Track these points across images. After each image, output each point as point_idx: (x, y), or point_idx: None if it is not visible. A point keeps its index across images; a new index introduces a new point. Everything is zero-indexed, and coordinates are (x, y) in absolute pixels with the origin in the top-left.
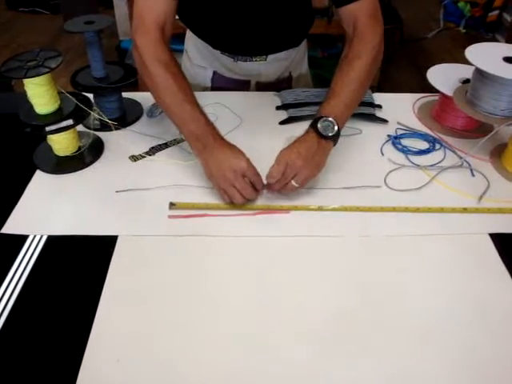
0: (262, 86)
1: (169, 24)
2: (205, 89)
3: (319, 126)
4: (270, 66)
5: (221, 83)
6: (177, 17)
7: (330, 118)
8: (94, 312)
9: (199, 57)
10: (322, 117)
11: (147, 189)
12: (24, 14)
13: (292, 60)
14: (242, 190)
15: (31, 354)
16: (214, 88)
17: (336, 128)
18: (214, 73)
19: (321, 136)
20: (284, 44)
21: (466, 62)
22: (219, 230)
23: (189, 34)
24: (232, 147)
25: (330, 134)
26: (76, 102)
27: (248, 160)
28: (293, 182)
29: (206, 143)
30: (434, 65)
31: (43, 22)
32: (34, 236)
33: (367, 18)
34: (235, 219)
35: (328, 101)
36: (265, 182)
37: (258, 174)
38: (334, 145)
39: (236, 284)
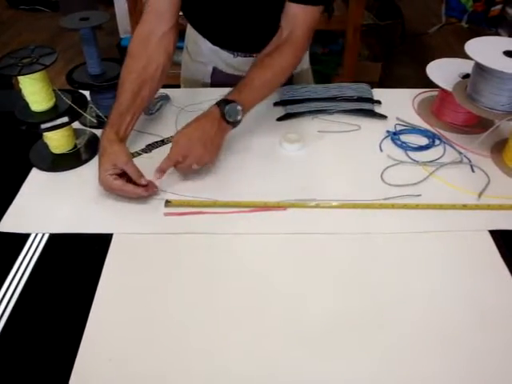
0: None
1: (168, 14)
2: (204, 85)
3: (227, 108)
4: None
5: (221, 79)
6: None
7: (239, 107)
8: (88, 311)
9: (199, 52)
10: (233, 101)
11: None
12: (25, 12)
13: None
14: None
15: (27, 352)
16: (213, 84)
17: (239, 117)
18: (214, 69)
19: (223, 118)
20: None
21: (468, 57)
22: (215, 227)
23: (189, 30)
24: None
25: (232, 120)
26: (69, 102)
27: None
28: (194, 166)
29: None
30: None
31: (44, 20)
32: (36, 235)
33: (307, 29)
34: (231, 216)
35: (243, 87)
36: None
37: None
38: (232, 128)
39: (232, 282)
